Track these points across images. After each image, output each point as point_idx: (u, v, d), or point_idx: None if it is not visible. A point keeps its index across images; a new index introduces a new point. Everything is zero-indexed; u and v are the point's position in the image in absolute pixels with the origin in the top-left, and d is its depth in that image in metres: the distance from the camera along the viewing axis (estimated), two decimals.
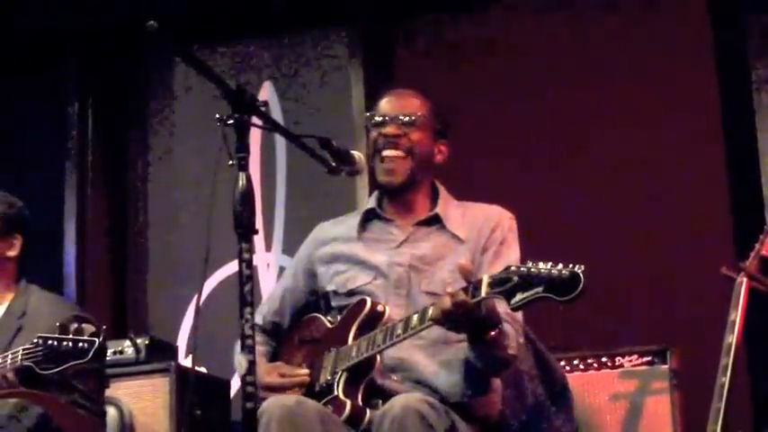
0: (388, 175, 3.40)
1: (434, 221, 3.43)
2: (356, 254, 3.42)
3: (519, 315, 3.24)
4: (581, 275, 2.78)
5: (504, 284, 2.89)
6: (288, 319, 3.55)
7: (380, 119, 3.42)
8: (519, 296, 2.86)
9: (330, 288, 3.45)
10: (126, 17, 5.46)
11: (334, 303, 3.44)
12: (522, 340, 3.26)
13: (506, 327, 3.13)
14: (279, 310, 3.56)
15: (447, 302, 2.96)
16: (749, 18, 4.92)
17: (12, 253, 3.87)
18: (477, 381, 3.25)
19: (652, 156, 5.02)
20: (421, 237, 3.41)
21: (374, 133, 3.43)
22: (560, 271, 2.81)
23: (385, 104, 3.47)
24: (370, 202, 3.55)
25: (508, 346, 3.14)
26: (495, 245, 3.35)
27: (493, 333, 3.04)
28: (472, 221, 3.41)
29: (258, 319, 3.46)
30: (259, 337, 3.35)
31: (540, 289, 2.82)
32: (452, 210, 3.45)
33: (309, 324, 3.48)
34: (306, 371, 3.32)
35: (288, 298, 3.56)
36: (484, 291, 2.93)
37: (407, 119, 3.39)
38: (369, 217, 3.50)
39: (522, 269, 2.88)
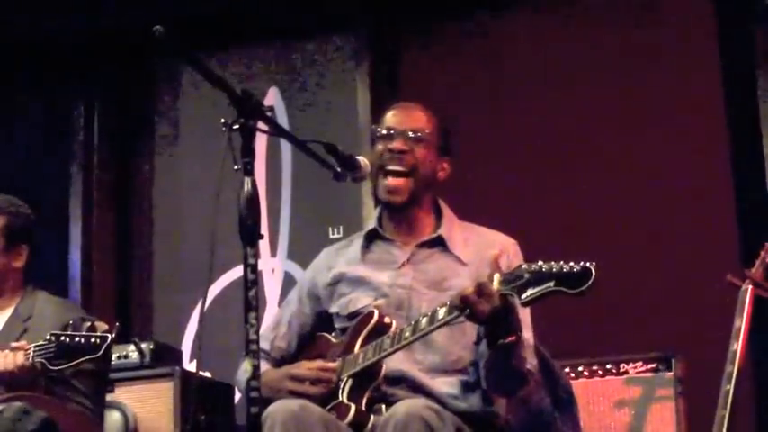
0: (391, 195, 3.36)
1: (437, 243, 3.39)
2: (359, 275, 3.39)
3: (530, 339, 3.22)
4: (592, 269, 2.79)
5: (516, 281, 2.90)
6: (295, 343, 3.51)
7: (386, 132, 3.38)
8: (530, 291, 2.87)
9: (333, 310, 3.42)
10: (133, 22, 5.47)
11: (337, 325, 3.41)
12: (535, 362, 3.23)
13: (525, 338, 3.13)
14: (286, 335, 3.51)
15: (468, 287, 2.94)
16: (756, 25, 4.92)
17: (18, 264, 3.88)
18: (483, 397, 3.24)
19: (658, 163, 5.02)
20: (423, 258, 3.38)
21: (380, 146, 3.38)
22: (572, 266, 2.82)
23: (391, 118, 3.42)
24: (371, 223, 3.52)
25: (527, 360, 3.12)
26: None
27: (512, 338, 3.02)
28: (475, 246, 3.37)
29: (265, 345, 3.43)
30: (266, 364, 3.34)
31: (551, 284, 2.83)
32: (456, 232, 3.41)
33: (316, 342, 3.46)
34: (335, 364, 3.26)
35: (294, 323, 3.52)
36: (496, 287, 2.93)
37: (414, 134, 3.35)
38: (371, 238, 3.47)
39: (533, 266, 2.89)
